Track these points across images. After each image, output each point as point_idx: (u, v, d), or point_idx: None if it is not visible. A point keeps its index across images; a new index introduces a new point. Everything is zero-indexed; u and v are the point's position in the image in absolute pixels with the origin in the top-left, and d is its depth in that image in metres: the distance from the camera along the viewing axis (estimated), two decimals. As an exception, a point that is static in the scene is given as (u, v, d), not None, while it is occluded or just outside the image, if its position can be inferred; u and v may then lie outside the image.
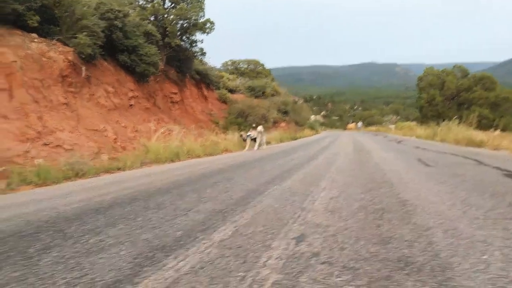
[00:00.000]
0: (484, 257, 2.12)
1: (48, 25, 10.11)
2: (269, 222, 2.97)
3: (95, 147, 9.32)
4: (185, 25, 18.64)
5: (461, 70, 33.34)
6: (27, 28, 9.56)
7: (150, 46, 14.20)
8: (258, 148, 12.99)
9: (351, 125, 77.51)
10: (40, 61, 9.40)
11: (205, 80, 24.74)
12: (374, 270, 1.94)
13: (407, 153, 10.52)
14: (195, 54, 20.62)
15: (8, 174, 5.72)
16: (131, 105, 13.38)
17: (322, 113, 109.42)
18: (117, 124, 11.38)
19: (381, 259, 2.09)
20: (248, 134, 13.16)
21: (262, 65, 45.51)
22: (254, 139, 13.15)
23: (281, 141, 20.96)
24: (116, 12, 12.24)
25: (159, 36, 15.81)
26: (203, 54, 20.72)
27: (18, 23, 9.33)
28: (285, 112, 31.42)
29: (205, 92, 25.14)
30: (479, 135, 14.61)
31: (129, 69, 13.85)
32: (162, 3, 18.08)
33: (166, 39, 17.39)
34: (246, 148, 12.91)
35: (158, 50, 15.02)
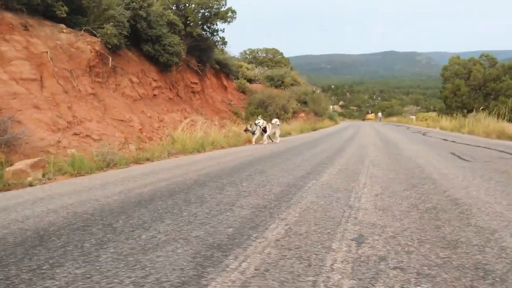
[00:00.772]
0: None
1: (76, 16, 10.17)
2: (320, 221, 2.88)
3: (122, 137, 9.40)
4: (206, 14, 18.47)
5: (489, 59, 32.12)
6: (55, 19, 9.63)
7: (173, 36, 14.16)
8: (267, 142, 11.61)
9: (370, 116, 76.28)
10: (69, 51, 9.48)
11: (224, 69, 24.61)
12: (453, 278, 1.82)
13: (437, 146, 10.20)
14: (216, 44, 20.47)
15: (43, 163, 5.80)
16: (155, 95, 13.43)
17: (340, 103, 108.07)
18: (142, 114, 11.46)
19: (456, 266, 1.97)
20: (257, 122, 11.53)
21: (281, 53, 45.07)
22: (264, 130, 11.51)
23: (302, 132, 20.76)
24: (141, 1, 12.20)
25: (182, 25, 15.73)
26: (224, 43, 20.54)
27: (47, 13, 9.41)
28: (305, 102, 31.04)
29: (225, 82, 25.05)
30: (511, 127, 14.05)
31: (152, 59, 13.87)
32: (184, -8, 17.95)
33: (188, 29, 17.29)
34: (254, 141, 11.49)
35: (181, 39, 14.95)
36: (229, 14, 18.72)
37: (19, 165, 5.38)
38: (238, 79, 28.10)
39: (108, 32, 10.30)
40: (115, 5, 10.75)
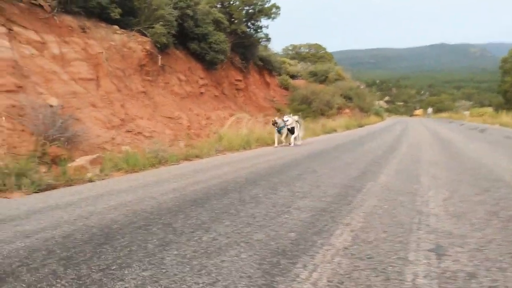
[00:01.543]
0: None
1: (128, 17, 10.54)
2: (388, 228, 2.67)
3: (172, 134, 9.62)
4: (250, 11, 18.45)
5: (557, 49, 29.10)
6: (109, 21, 10.04)
7: (219, 34, 14.27)
8: (294, 144, 9.68)
9: (418, 111, 72.71)
10: (121, 51, 9.86)
11: (267, 66, 24.49)
12: None
13: (502, 145, 9.38)
14: (260, 40, 20.39)
15: (101, 160, 6.04)
16: (202, 93, 13.64)
17: (386, 98, 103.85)
18: (190, 112, 11.67)
19: None
20: (285, 119, 9.45)
21: (324, 48, 44.05)
22: (290, 130, 9.63)
23: (348, 128, 20.14)
24: (188, 0, 12.41)
25: (227, 23, 15.83)
26: (268, 40, 20.43)
27: (102, 16, 9.83)
28: (349, 98, 30.12)
29: (268, 78, 24.93)
30: None
31: (198, 57, 14.09)
32: (229, -11, 18.06)
33: (232, 26, 17.36)
34: (276, 142, 9.59)
35: (226, 37, 15.04)
36: (273, 10, 18.55)
37: (80, 161, 5.65)
38: (280, 75, 27.88)
39: (158, 31, 10.58)
40: (164, 5, 11.01)
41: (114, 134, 8.08)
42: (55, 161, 5.81)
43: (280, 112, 21.08)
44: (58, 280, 1.86)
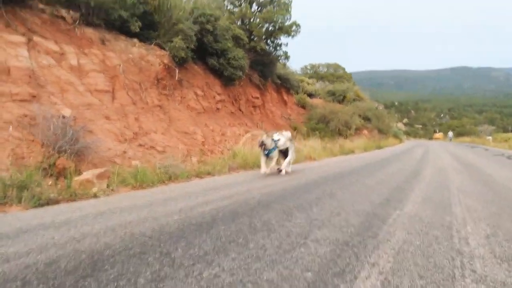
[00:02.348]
0: None
1: (148, 30, 10.54)
2: (425, 272, 2.24)
3: (185, 149, 9.37)
4: (270, 28, 18.42)
5: None
6: (129, 34, 10.04)
7: (238, 50, 14.18)
8: (284, 171, 7.41)
9: (438, 135, 71.04)
10: (139, 64, 9.79)
11: (285, 84, 24.33)
12: None
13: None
14: (279, 58, 20.29)
15: (108, 174, 5.79)
16: (218, 108, 13.46)
17: (404, 120, 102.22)
18: (205, 127, 11.45)
19: None
20: (275, 138, 7.14)
21: (343, 68, 43.82)
22: (283, 152, 7.47)
23: (366, 150, 19.55)
24: (208, 16, 12.39)
25: (246, 40, 15.78)
26: (287, 57, 20.26)
27: (122, 29, 9.84)
28: (368, 119, 29.53)
29: (285, 96, 24.72)
30: None
31: (216, 73, 13.98)
32: (249, 7, 18.12)
33: (251, 43, 17.33)
34: (263, 166, 7.12)
35: (245, 53, 14.95)
36: (293, 28, 18.46)
37: (87, 175, 5.40)
38: (298, 93, 27.65)
39: (177, 45, 10.51)
40: (184, 19, 11.00)
41: (126, 147, 7.87)
42: (62, 173, 5.59)
43: (296, 130, 20.69)
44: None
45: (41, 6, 8.46)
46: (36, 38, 7.62)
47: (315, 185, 5.98)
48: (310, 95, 30.35)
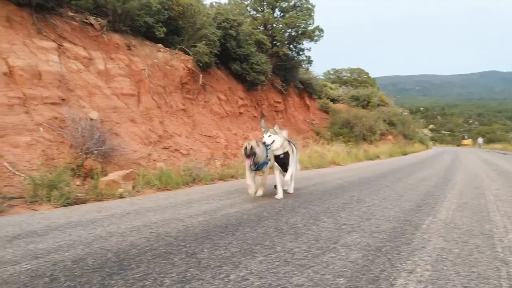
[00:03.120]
0: None
1: (172, 36, 10.70)
2: (469, 282, 2.07)
3: (209, 153, 9.39)
4: (293, 33, 18.34)
5: None
6: (154, 39, 10.23)
7: (261, 55, 14.18)
8: (288, 188, 5.36)
9: (467, 141, 68.55)
10: (164, 69, 9.94)
11: (308, 89, 24.13)
12: None
13: None
14: (302, 63, 20.17)
15: (134, 175, 5.85)
16: (241, 113, 13.47)
17: (430, 126, 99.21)
18: (228, 131, 11.47)
19: None
20: (268, 141, 4.89)
21: (367, 73, 43.09)
22: (280, 159, 4.92)
23: (391, 155, 19.06)
24: (231, 21, 12.48)
25: (269, 45, 15.78)
26: (310, 62, 20.12)
27: (147, 34, 10.04)
28: (393, 124, 28.84)
29: (307, 101, 24.51)
30: None
31: (239, 78, 14.03)
32: (272, 12, 18.14)
33: (274, 48, 17.32)
34: (251, 185, 4.82)
35: (267, 58, 14.94)
36: (316, 32, 18.33)
37: (113, 176, 5.47)
38: (321, 98, 27.36)
39: (200, 50, 10.61)
40: (207, 24, 11.10)
41: (151, 150, 7.96)
42: (89, 174, 5.69)
43: (319, 135, 20.33)
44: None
45: (70, 13, 8.74)
46: (65, 44, 7.86)
47: (340, 190, 5.82)
48: (333, 100, 29.98)
